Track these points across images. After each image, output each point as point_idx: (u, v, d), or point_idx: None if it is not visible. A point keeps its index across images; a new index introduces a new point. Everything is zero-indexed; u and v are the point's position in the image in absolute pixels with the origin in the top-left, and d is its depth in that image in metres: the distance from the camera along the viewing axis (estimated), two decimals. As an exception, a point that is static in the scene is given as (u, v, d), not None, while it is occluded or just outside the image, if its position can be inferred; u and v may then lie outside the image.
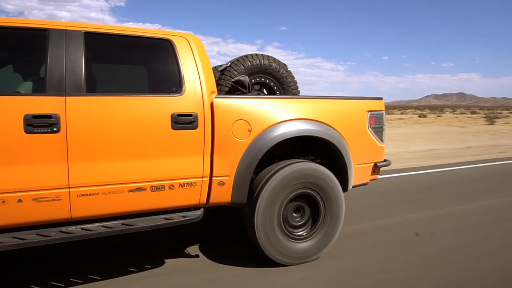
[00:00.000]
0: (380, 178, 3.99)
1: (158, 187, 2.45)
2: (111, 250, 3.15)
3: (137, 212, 2.45)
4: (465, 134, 16.57)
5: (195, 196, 2.58)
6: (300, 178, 2.77)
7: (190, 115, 2.50)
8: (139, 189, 2.39)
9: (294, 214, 2.91)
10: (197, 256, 3.05)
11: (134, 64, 2.87)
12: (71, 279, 2.61)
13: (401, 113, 46.07)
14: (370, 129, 3.18)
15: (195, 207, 2.65)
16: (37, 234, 2.18)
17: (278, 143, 2.73)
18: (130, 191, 2.37)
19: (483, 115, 37.62)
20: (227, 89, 3.13)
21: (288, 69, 3.45)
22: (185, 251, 3.15)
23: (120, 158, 2.33)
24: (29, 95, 2.23)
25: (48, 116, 2.14)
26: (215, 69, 3.57)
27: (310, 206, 2.93)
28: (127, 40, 2.54)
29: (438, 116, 38.58)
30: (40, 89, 2.23)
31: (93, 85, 2.37)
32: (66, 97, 2.20)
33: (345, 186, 3.05)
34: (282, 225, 2.80)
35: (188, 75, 2.58)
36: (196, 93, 2.56)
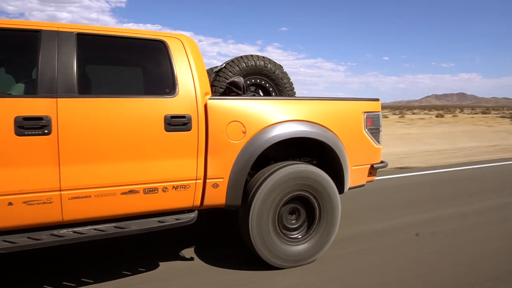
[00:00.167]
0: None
1: (151, 189, 2.42)
2: (105, 253, 3.13)
3: (130, 215, 2.43)
4: (498, 132, 17.03)
5: (189, 198, 2.56)
6: (295, 180, 2.75)
7: (183, 116, 2.48)
8: (131, 191, 2.37)
9: (290, 217, 2.88)
10: (192, 259, 3.02)
11: (127, 65, 2.85)
12: (63, 283, 2.59)
13: (413, 113, 46.46)
14: (366, 130, 3.16)
15: (189, 210, 2.62)
16: (28, 238, 2.15)
17: (273, 145, 2.71)
18: (122, 193, 2.34)
19: (497, 115, 39.37)
20: (222, 90, 3.11)
21: (284, 70, 3.43)
22: (180, 253, 3.12)
23: (112, 160, 2.31)
24: (20, 96, 2.20)
25: (39, 118, 2.12)
26: (210, 70, 3.55)
27: (305, 209, 2.91)
28: (120, 41, 2.52)
29: (454, 116, 39.64)
30: (31, 90, 2.21)
31: (86, 87, 2.35)
32: (58, 99, 2.18)
33: (341, 188, 3.03)
34: (277, 227, 2.77)
35: (182, 76, 2.55)
36: (189, 95, 2.54)
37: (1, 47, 2.29)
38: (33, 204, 2.13)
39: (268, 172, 2.74)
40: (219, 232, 3.75)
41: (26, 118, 2.08)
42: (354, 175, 3.13)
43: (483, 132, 17.10)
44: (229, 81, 3.03)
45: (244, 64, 3.19)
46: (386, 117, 32.16)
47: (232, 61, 3.22)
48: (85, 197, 2.25)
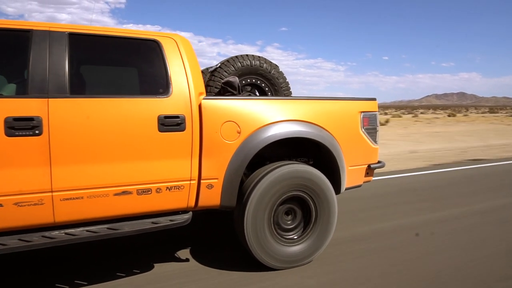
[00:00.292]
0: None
1: (144, 190, 2.40)
2: (99, 255, 3.10)
3: (123, 216, 2.40)
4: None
5: (183, 199, 2.53)
6: (290, 180, 2.72)
7: (177, 117, 2.45)
8: (125, 192, 2.34)
9: (286, 217, 2.86)
10: (187, 260, 2.99)
11: (120, 65, 2.83)
12: (56, 285, 2.56)
13: (421, 113, 46.98)
14: (363, 130, 3.13)
15: (184, 211, 2.60)
16: (19, 240, 2.13)
17: (269, 145, 2.68)
18: (115, 194, 2.32)
19: (505, 114, 41.35)
20: (217, 90, 3.08)
21: (280, 70, 3.40)
22: (175, 255, 3.09)
23: (105, 161, 2.28)
24: (11, 97, 2.18)
25: (30, 119, 2.09)
26: (206, 70, 3.52)
27: (301, 209, 2.88)
28: (113, 41, 2.49)
29: (465, 115, 41.14)
30: (22, 91, 2.19)
31: (78, 87, 2.33)
32: (49, 99, 2.16)
33: (337, 189, 3.00)
34: (273, 228, 2.74)
35: (176, 76, 2.53)
36: (183, 95, 2.51)
37: None
38: (24, 205, 2.11)
39: (263, 173, 2.71)
40: (214, 233, 3.73)
41: (17, 119, 2.06)
42: (351, 175, 3.10)
43: (507, 130, 17.93)
44: (224, 81, 3.00)
45: (240, 64, 3.17)
46: (400, 117, 32.73)
47: (227, 60, 3.19)
48: (77, 198, 2.23)
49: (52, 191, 2.16)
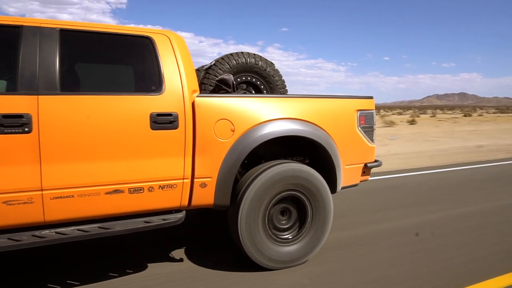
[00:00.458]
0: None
1: (136, 189, 2.37)
2: (91, 254, 3.07)
3: (115, 215, 2.37)
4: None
5: (176, 198, 2.50)
6: (285, 179, 2.69)
7: (170, 114, 2.42)
8: (116, 191, 2.31)
9: (280, 217, 2.82)
10: (181, 260, 2.96)
11: (113, 62, 2.79)
12: (48, 285, 2.53)
13: (432, 114, 47.46)
14: (359, 128, 3.09)
15: (177, 210, 2.56)
16: (8, 239, 2.10)
17: (264, 144, 2.65)
18: (107, 193, 2.29)
19: None
20: (212, 88, 3.05)
21: (275, 68, 3.36)
22: (169, 255, 3.06)
23: (96, 159, 2.25)
24: (0, 94, 2.15)
25: (19, 116, 2.06)
26: (201, 68, 3.49)
27: (297, 209, 2.84)
28: (105, 37, 2.46)
29: (480, 115, 42.81)
30: (12, 87, 2.16)
31: (68, 84, 2.29)
32: (39, 96, 2.13)
33: (333, 188, 2.96)
34: (267, 227, 2.71)
35: (169, 73, 2.50)
36: (176, 92, 2.48)
37: None
38: (13, 204, 2.07)
39: (257, 172, 2.68)
40: (209, 233, 3.69)
41: (6, 116, 2.03)
42: (347, 174, 3.06)
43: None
44: (218, 78, 2.97)
45: (235, 62, 3.13)
46: (419, 117, 33.71)
47: (222, 58, 3.16)
48: (67, 197, 2.19)
49: (42, 190, 2.13)
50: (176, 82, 2.49)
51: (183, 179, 2.49)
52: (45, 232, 2.21)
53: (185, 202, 2.54)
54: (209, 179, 2.56)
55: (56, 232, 2.23)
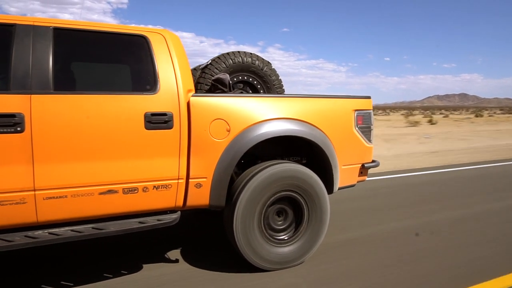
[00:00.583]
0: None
1: (130, 189, 2.35)
2: (87, 255, 3.05)
3: (109, 215, 2.35)
4: None
5: (171, 198, 2.48)
6: (281, 180, 2.66)
7: (164, 114, 2.40)
8: (110, 191, 2.29)
9: (277, 217, 2.80)
10: (177, 261, 2.94)
11: (107, 61, 2.77)
12: (42, 286, 2.51)
13: (443, 115, 47.82)
14: (357, 129, 3.07)
15: (172, 210, 2.54)
16: (0, 239, 2.08)
17: (260, 144, 2.63)
18: (100, 193, 2.27)
19: None
20: (208, 87, 3.03)
21: (272, 67, 3.34)
22: (165, 255, 3.04)
23: (89, 159, 2.23)
24: (-8, 93, 2.13)
25: (12, 115, 2.04)
26: (198, 67, 3.47)
27: (293, 209, 2.82)
28: (99, 36, 2.44)
29: (490, 115, 44.38)
30: (4, 86, 2.14)
31: (62, 83, 2.26)
32: (32, 95, 2.11)
33: (330, 188, 2.94)
34: (263, 228, 2.68)
35: (164, 73, 2.48)
36: (171, 92, 2.46)
37: None
38: (6, 204, 2.06)
39: (253, 172, 2.66)
40: (206, 233, 3.67)
41: (-2, 115, 2.01)
42: (344, 174, 3.04)
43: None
44: (214, 78, 2.95)
45: (231, 61, 3.11)
46: (431, 117, 34.20)
47: (219, 57, 3.14)
48: (60, 197, 2.17)
49: (34, 190, 2.11)
50: (171, 82, 2.47)
51: (178, 179, 2.47)
52: (38, 232, 2.19)
53: (180, 203, 2.52)
54: (204, 179, 2.54)
55: (49, 233, 2.21)
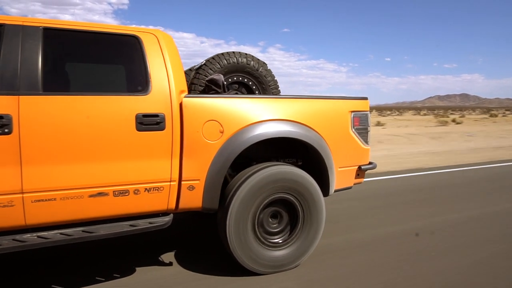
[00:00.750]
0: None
1: (121, 191, 2.31)
2: (79, 258, 3.01)
3: (99, 218, 2.31)
4: None
5: (163, 201, 2.44)
6: (275, 182, 2.62)
7: (156, 115, 2.36)
8: (100, 194, 2.25)
9: (271, 220, 2.75)
10: (170, 264, 2.90)
11: (98, 62, 2.72)
12: (32, 289, 2.48)
13: (459, 115, 48.27)
14: (353, 130, 3.02)
15: (164, 213, 2.50)
16: (-13, 243, 2.04)
17: (255, 146, 2.59)
18: (90, 196, 2.23)
19: None
20: (202, 88, 2.99)
21: (268, 68, 3.29)
22: (159, 258, 3.00)
23: (79, 161, 2.19)
24: (-22, 94, 2.09)
25: None
26: (193, 68, 3.43)
27: (288, 212, 2.78)
28: (91, 36, 2.40)
29: (504, 115, 45.85)
30: (-9, 88, 2.10)
31: (51, 84, 2.22)
32: (20, 96, 2.07)
33: (326, 191, 2.89)
34: (257, 231, 2.64)
35: (156, 73, 2.44)
36: (163, 93, 2.42)
37: None
38: (-7, 207, 2.02)
39: (247, 174, 2.62)
40: (200, 236, 3.62)
41: (-16, 117, 1.97)
42: (340, 176, 3.00)
43: None
44: (208, 78, 2.91)
45: (225, 61, 3.07)
46: (448, 116, 34.93)
47: (213, 58, 3.10)
48: (49, 200, 2.13)
49: (22, 193, 2.07)
50: (163, 82, 2.44)
51: (170, 181, 2.43)
52: (27, 236, 2.15)
53: (172, 205, 2.48)
54: (197, 181, 2.50)
55: (38, 236, 2.17)
